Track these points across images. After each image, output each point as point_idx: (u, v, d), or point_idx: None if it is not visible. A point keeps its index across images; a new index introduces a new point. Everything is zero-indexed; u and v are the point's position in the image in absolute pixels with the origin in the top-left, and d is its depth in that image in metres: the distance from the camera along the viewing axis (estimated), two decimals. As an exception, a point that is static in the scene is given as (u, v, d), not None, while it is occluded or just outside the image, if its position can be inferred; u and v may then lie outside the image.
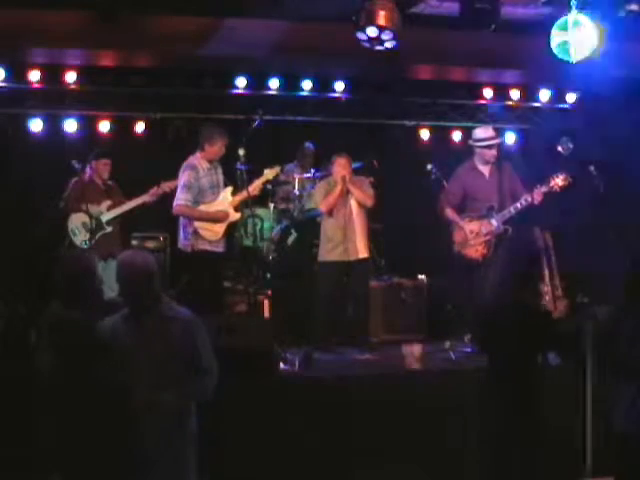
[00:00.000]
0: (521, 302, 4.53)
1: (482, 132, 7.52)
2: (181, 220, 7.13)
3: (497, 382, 4.53)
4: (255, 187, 7.34)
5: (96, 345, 4.18)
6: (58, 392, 4.15)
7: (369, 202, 7.61)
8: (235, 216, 7.35)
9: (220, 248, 7.21)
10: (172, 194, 7.31)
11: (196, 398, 4.29)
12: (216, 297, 7.22)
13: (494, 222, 7.31)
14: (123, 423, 4.05)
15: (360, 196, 7.57)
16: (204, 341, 4.27)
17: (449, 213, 7.45)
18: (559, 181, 7.24)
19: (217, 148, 7.12)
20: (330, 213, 7.55)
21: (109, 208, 7.53)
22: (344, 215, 7.52)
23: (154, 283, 4.20)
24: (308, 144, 9.08)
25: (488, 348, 4.69)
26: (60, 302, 4.33)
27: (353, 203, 7.57)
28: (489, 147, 7.44)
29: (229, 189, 7.29)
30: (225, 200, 7.22)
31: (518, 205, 7.28)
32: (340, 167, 7.55)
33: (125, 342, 4.17)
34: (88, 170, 7.43)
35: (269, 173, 7.51)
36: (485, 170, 7.50)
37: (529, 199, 7.26)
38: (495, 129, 7.76)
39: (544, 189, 7.25)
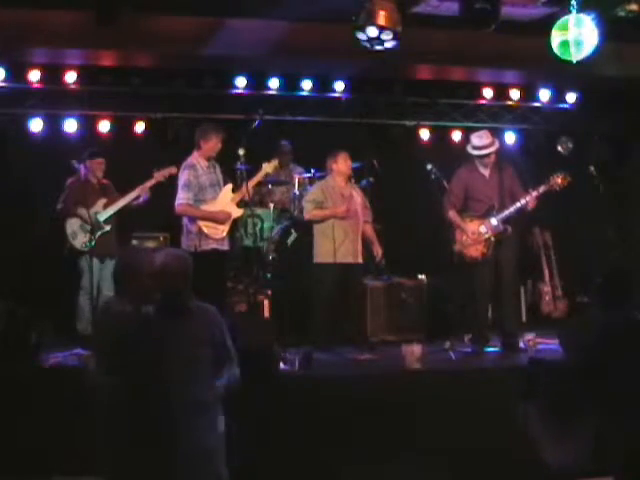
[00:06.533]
0: None
1: (478, 140, 7.49)
2: (184, 220, 7.10)
3: None
4: (255, 181, 7.34)
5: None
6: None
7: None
8: (238, 212, 7.34)
9: (225, 246, 7.20)
10: (167, 182, 7.37)
11: (231, 384, 4.43)
12: (220, 296, 7.19)
13: (494, 221, 7.33)
14: (159, 418, 4.13)
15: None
16: (227, 333, 4.44)
17: (452, 215, 7.46)
18: (559, 180, 7.26)
19: (213, 143, 7.11)
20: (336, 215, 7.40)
21: (105, 206, 7.52)
22: (353, 217, 7.46)
23: (190, 281, 4.37)
24: (284, 141, 8.99)
25: None
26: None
27: (359, 208, 7.56)
28: (487, 155, 7.44)
29: (229, 186, 7.29)
30: (227, 197, 7.21)
31: (518, 204, 7.31)
32: (343, 161, 7.50)
33: (157, 336, 4.28)
34: (83, 170, 7.42)
35: (268, 167, 7.50)
36: (485, 171, 7.51)
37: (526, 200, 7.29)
38: (492, 133, 7.72)
39: (543, 188, 7.27)
